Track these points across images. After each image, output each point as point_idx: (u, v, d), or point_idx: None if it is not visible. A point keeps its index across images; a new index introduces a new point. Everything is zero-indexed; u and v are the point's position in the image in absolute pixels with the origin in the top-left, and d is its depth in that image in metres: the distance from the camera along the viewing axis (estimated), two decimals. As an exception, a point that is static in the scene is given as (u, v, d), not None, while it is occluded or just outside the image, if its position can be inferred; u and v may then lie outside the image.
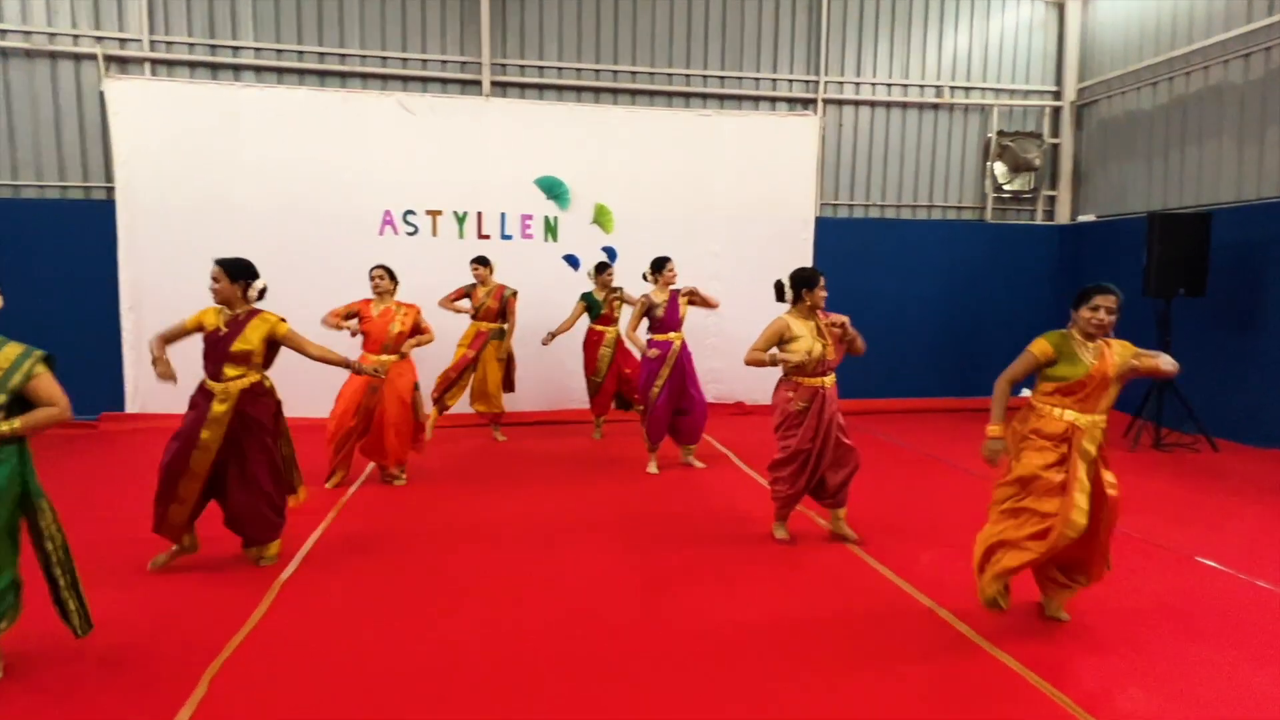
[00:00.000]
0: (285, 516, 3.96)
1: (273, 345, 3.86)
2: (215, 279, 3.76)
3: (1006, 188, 9.34)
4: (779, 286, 4.37)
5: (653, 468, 5.87)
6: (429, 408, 6.26)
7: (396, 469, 5.42)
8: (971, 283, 9.16)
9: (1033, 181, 9.39)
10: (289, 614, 3.36)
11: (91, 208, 7.40)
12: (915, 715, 2.65)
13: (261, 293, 3.87)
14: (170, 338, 3.84)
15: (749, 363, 4.19)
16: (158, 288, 7.27)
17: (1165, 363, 3.18)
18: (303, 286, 7.12)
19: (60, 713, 2.61)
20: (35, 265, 7.17)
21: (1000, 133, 9.23)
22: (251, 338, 3.76)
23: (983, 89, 9.24)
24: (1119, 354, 3.19)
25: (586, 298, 6.84)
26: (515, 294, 6.81)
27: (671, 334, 5.81)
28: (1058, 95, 9.38)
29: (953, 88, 9.17)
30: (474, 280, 6.78)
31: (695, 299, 5.89)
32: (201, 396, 3.76)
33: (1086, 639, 3.21)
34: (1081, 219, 9.29)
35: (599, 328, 6.83)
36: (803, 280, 4.24)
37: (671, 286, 5.86)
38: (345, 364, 4.14)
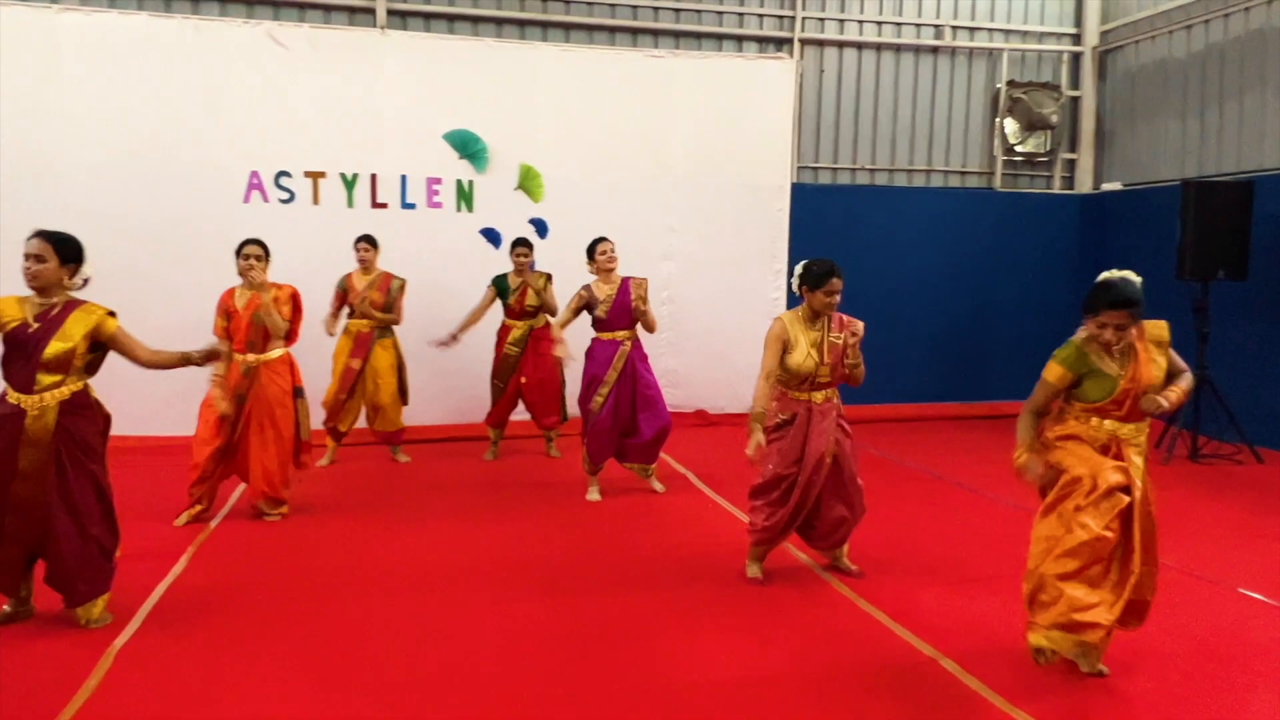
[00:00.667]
0: (115, 564, 3.84)
1: (97, 346, 3.72)
2: (38, 257, 3.59)
3: (1018, 149, 9.58)
4: (792, 277, 4.37)
5: (593, 494, 5.85)
6: (317, 421, 6.09)
7: (266, 503, 5.27)
8: (977, 263, 9.37)
9: (1049, 142, 9.65)
10: (126, 689, 3.24)
11: None
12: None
13: (85, 281, 3.75)
14: None
15: (758, 399, 4.17)
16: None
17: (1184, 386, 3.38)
18: (141, 271, 6.90)
19: None
20: None
21: (1011, 83, 9.46)
22: (73, 333, 3.61)
23: (990, 30, 9.45)
24: (1155, 344, 3.33)
25: (498, 282, 6.80)
26: (404, 285, 6.71)
27: (619, 333, 5.78)
28: (1077, 39, 9.66)
29: (955, 28, 9.36)
30: (356, 269, 6.66)
31: (641, 306, 5.80)
32: (8, 412, 3.58)
33: (1116, 692, 3.28)
34: (1105, 187, 9.59)
35: (507, 321, 6.82)
36: (806, 276, 4.22)
37: (620, 274, 5.81)
38: (185, 361, 3.93)
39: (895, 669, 3.45)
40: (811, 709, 3.15)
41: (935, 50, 9.36)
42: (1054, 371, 3.35)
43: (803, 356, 4.15)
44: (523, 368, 6.80)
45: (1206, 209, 7.12)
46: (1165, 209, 7.86)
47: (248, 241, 5.22)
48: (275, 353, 5.21)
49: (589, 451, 5.81)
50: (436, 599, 4.15)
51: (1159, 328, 3.39)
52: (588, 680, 3.36)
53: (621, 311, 5.76)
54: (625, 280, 5.81)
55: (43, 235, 3.63)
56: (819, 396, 4.26)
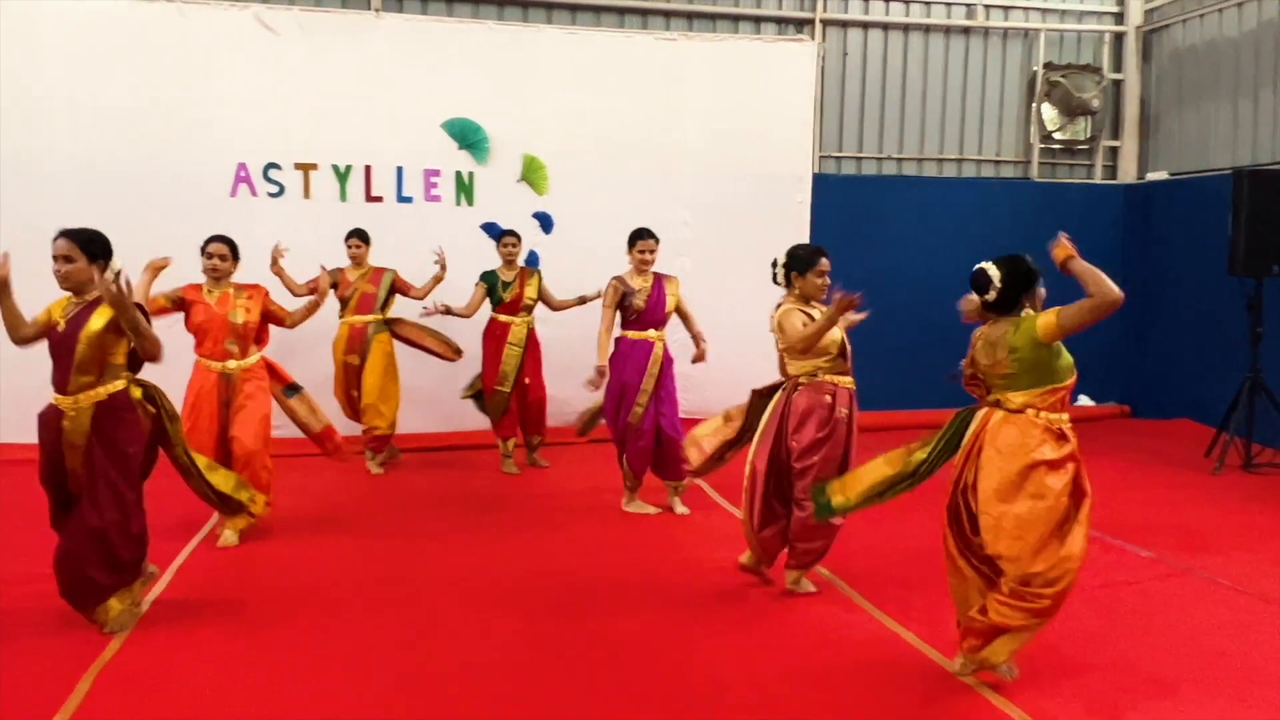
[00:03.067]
0: (125, 574, 3.93)
1: (118, 332, 3.79)
2: (66, 257, 3.71)
3: (1057, 136, 9.50)
4: (775, 267, 4.41)
5: (637, 506, 5.82)
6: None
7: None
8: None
9: (1090, 129, 9.57)
10: (115, 704, 3.32)
11: None
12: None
13: (118, 274, 3.79)
14: (9, 320, 3.80)
15: (803, 341, 4.17)
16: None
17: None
18: (125, 267, 6.92)
19: None
20: None
21: (1049, 66, 9.38)
22: (95, 327, 3.72)
23: (1026, 9, 9.38)
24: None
25: (486, 277, 6.78)
26: (395, 275, 6.93)
27: (652, 331, 5.73)
28: (1120, 19, 9.58)
29: (989, 7, 9.29)
30: (348, 262, 6.78)
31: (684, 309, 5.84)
32: (47, 413, 3.79)
33: (1141, 706, 3.26)
34: (1151, 177, 9.49)
35: (503, 318, 6.76)
36: (793, 261, 4.31)
37: (655, 269, 5.79)
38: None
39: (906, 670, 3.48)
40: (819, 705, 3.29)
41: (967, 31, 9.29)
42: (1045, 326, 3.38)
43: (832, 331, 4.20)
44: (526, 368, 6.77)
45: (1260, 199, 7.01)
46: (1216, 200, 7.76)
47: (212, 239, 5.19)
48: (253, 359, 5.22)
49: (632, 467, 5.75)
50: (448, 611, 4.24)
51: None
52: (608, 682, 3.48)
53: (657, 306, 5.71)
54: (658, 276, 5.77)
55: (67, 235, 3.74)
56: (845, 380, 4.31)
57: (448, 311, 6.64)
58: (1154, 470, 7.14)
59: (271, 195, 7.62)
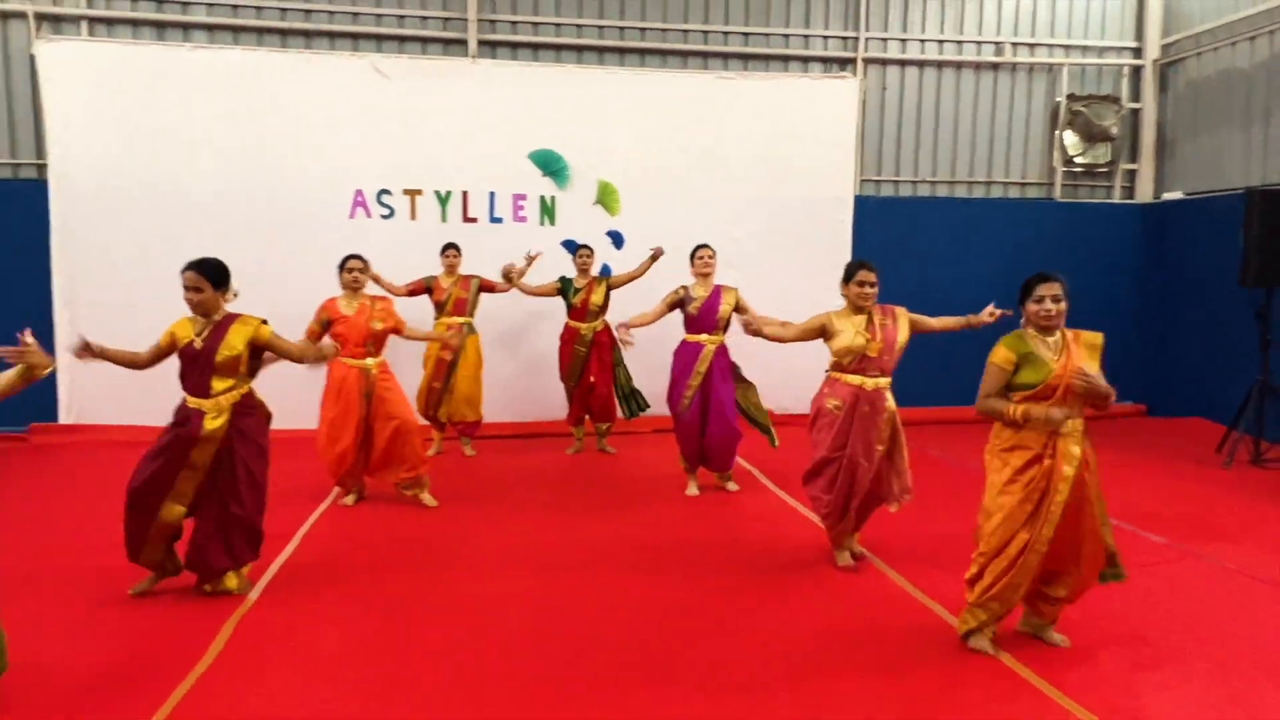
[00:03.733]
0: (259, 548, 4.04)
1: (255, 351, 3.93)
2: (195, 288, 3.80)
3: (1078, 160, 9.26)
4: None
5: (692, 489, 5.85)
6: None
7: (407, 484, 5.42)
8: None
9: (1109, 153, 9.30)
10: (248, 649, 3.42)
11: (20, 189, 7.47)
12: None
13: (236, 295, 3.96)
14: (123, 359, 3.81)
15: (770, 336, 4.37)
16: (96, 281, 7.32)
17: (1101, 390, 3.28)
18: (261, 280, 7.10)
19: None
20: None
21: (1071, 96, 9.15)
22: (235, 344, 3.83)
23: (1050, 46, 9.16)
24: (1087, 348, 3.34)
25: (563, 281, 6.87)
26: (481, 278, 6.98)
27: (704, 335, 5.75)
28: (1138, 53, 9.29)
29: (1015, 45, 9.09)
30: (441, 269, 6.87)
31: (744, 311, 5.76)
32: (186, 415, 3.82)
33: (1157, 681, 3.18)
34: (1167, 196, 9.19)
35: (573, 323, 6.85)
36: (843, 274, 4.32)
37: (716, 280, 5.81)
38: (319, 355, 4.27)
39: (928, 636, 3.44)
40: (849, 664, 3.28)
41: (995, 66, 9.11)
42: (999, 354, 3.41)
43: (850, 337, 4.20)
44: (590, 367, 6.84)
45: (1271, 216, 6.76)
46: (1228, 217, 7.49)
47: (351, 256, 5.39)
48: (382, 357, 5.38)
49: (682, 451, 5.82)
50: (533, 576, 4.28)
51: (1095, 336, 3.39)
52: (675, 630, 3.52)
53: (709, 314, 5.72)
54: (718, 287, 5.80)
55: (195, 268, 3.82)
56: (870, 383, 4.23)
57: (520, 273, 6.75)
58: (1168, 464, 6.92)
59: (383, 217, 7.81)
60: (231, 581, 3.97)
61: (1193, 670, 3.33)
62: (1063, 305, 3.31)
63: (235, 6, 7.77)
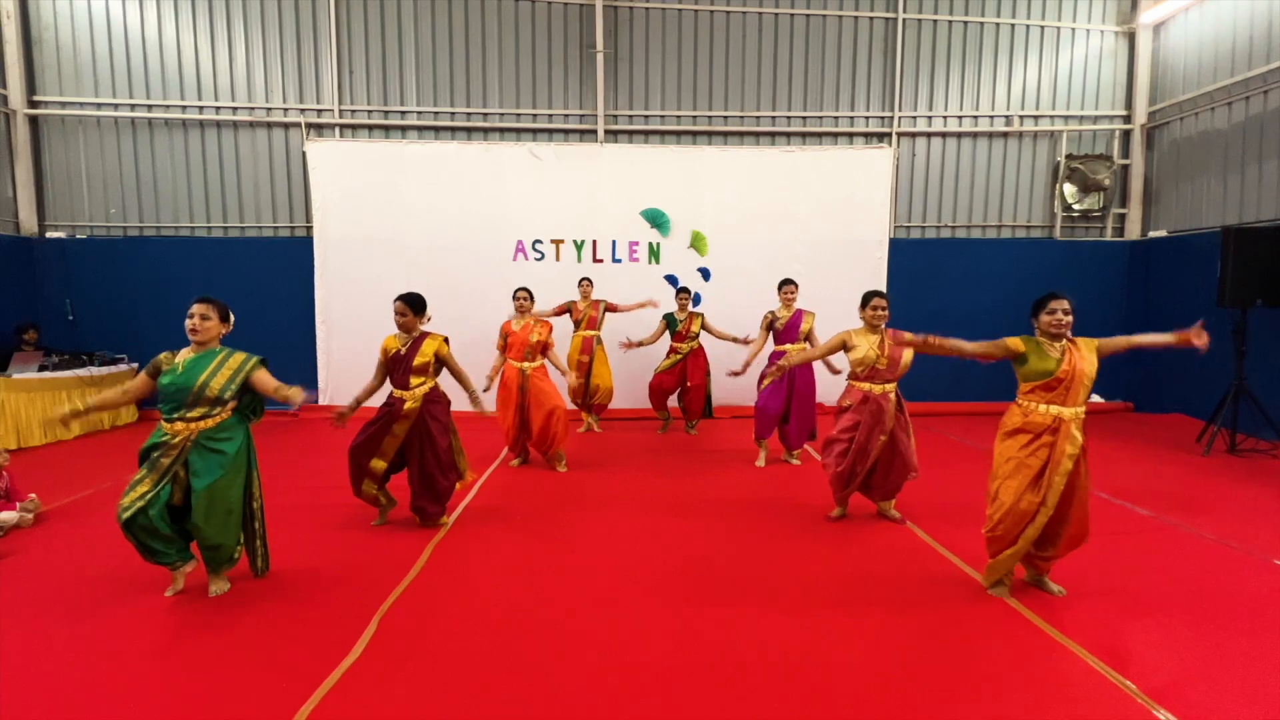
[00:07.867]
0: (449, 495, 4.16)
1: (438, 359, 4.10)
2: (402, 313, 3.98)
3: (1076, 207, 8.60)
4: None
5: (760, 460, 5.70)
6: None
7: (554, 456, 5.45)
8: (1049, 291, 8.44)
9: (1102, 200, 8.60)
10: (444, 566, 3.55)
11: (295, 243, 8.03)
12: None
13: (430, 318, 4.14)
14: (367, 393, 4.00)
15: (800, 362, 4.23)
16: (342, 305, 7.82)
17: (1158, 337, 3.07)
18: (453, 307, 7.51)
19: (262, 639, 2.84)
20: (253, 288, 7.87)
21: (1069, 156, 8.51)
22: (427, 352, 4.03)
23: (1052, 116, 8.56)
24: (1086, 345, 3.10)
25: (668, 318, 6.82)
26: (607, 301, 7.02)
27: (788, 345, 5.64)
28: (1128, 119, 8.55)
29: (1022, 116, 8.54)
30: (578, 296, 6.94)
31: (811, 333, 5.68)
32: (394, 400, 4.02)
33: (1150, 630, 2.91)
34: (1153, 234, 8.42)
35: (675, 345, 6.79)
36: (862, 300, 4.19)
37: (797, 305, 5.72)
38: (471, 393, 4.23)
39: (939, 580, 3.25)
40: (876, 601, 3.11)
41: (1006, 134, 8.57)
42: (1012, 339, 3.17)
43: (864, 351, 4.06)
44: (689, 375, 6.76)
45: (1245, 248, 6.10)
46: (1206, 251, 6.82)
47: (520, 288, 5.51)
48: (538, 361, 5.40)
49: (756, 425, 5.66)
50: (645, 519, 4.27)
51: (1089, 340, 3.14)
52: (735, 569, 3.39)
53: (790, 330, 5.61)
54: (799, 311, 5.69)
55: (403, 300, 3.99)
56: (877, 389, 4.08)
57: (635, 344, 6.69)
58: (1153, 451, 6.32)
59: (536, 259, 8.01)
60: (437, 521, 4.10)
61: (1171, 618, 3.06)
62: (1071, 317, 3.10)
63: (437, 113, 8.14)
